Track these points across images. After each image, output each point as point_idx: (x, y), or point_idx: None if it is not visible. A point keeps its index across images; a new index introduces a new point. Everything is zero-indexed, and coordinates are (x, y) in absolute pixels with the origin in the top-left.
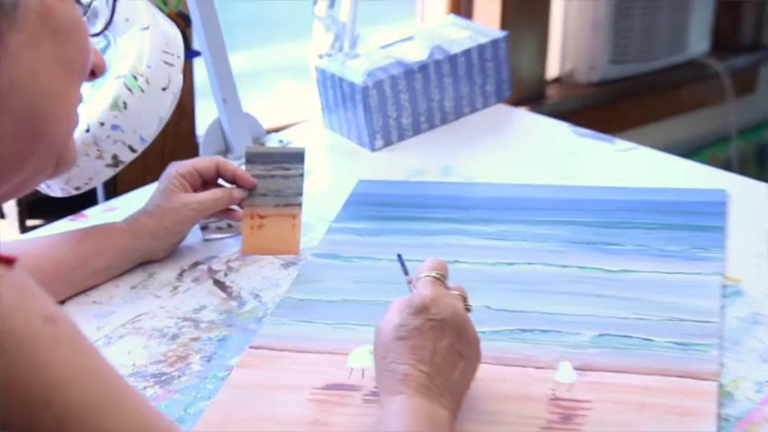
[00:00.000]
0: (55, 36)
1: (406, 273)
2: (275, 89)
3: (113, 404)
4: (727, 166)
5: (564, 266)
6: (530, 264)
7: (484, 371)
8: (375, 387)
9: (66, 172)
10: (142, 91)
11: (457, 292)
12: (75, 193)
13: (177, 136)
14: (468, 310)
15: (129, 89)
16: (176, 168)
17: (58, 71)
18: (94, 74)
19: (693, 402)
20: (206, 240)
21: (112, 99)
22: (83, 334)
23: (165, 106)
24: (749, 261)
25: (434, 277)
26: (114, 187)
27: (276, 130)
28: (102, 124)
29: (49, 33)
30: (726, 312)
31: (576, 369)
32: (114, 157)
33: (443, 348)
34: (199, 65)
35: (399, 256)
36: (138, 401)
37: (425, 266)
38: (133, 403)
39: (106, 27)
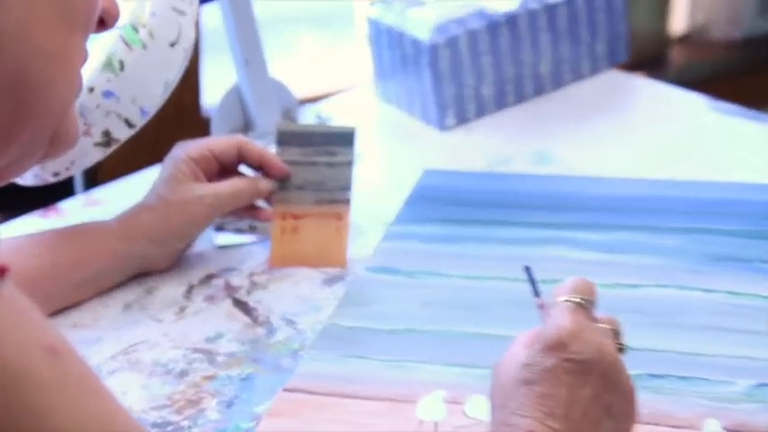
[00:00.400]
0: None
1: (536, 293)
2: (294, 45)
3: None
4: None
5: (707, 291)
6: (659, 286)
7: None
8: None
9: (63, 153)
10: (144, 47)
11: (606, 326)
12: (52, 180)
13: (178, 107)
14: (620, 350)
15: (128, 44)
16: (185, 150)
17: (56, 22)
18: (104, 23)
19: None
20: (221, 247)
21: (105, 57)
22: (91, 369)
23: (173, 67)
24: None
25: (577, 303)
26: (94, 173)
27: (308, 101)
28: (92, 90)
29: None
30: None
31: (726, 429)
32: (106, 133)
33: (584, 399)
34: (208, 13)
35: (527, 268)
36: None
37: (565, 288)
38: None
39: None
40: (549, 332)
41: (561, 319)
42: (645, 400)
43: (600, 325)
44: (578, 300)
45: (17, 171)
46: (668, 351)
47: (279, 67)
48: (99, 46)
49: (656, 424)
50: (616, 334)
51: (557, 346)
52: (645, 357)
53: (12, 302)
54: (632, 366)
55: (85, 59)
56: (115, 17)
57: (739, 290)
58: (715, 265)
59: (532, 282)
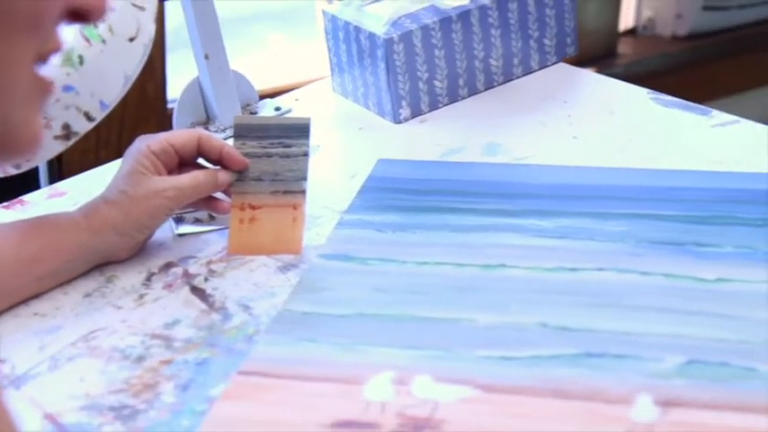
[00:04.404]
0: None
1: None
2: (259, 42)
3: None
4: None
5: (644, 274)
6: (599, 270)
7: (539, 407)
8: None
9: (18, 158)
10: (103, 42)
11: None
12: (12, 172)
13: (142, 100)
14: None
15: (87, 39)
16: (146, 144)
17: None
18: (83, 16)
19: None
20: (180, 235)
21: (64, 52)
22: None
23: (132, 61)
24: None
25: None
26: (59, 166)
27: (271, 95)
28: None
29: None
30: None
31: (657, 405)
32: (65, 126)
33: None
34: (171, 9)
35: None
36: None
37: None
38: None
39: None
40: None
41: None
42: (580, 378)
43: None
44: None
45: None
46: (605, 331)
47: (246, 63)
48: None
49: (591, 400)
50: None
51: None
52: (581, 337)
53: None
54: (571, 346)
55: (39, 59)
56: (101, 11)
57: (674, 272)
58: (653, 249)
59: None
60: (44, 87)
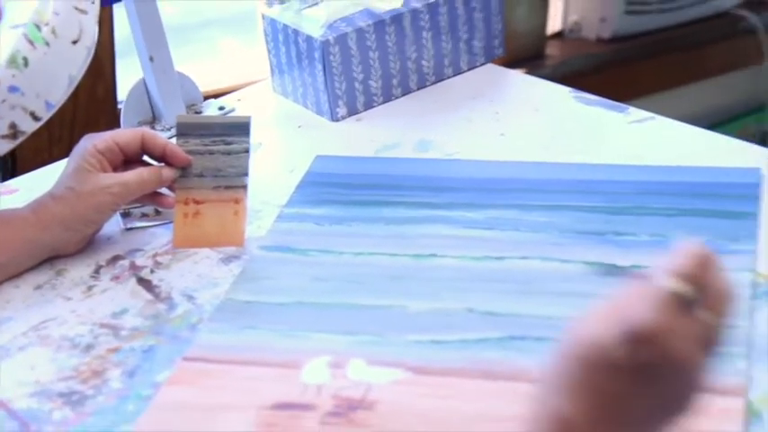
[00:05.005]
0: None
1: None
2: (213, 46)
3: None
4: (763, 140)
5: (565, 261)
6: (524, 258)
7: (467, 387)
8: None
9: None
10: (47, 44)
11: (708, 321)
12: None
13: (92, 101)
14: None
15: (31, 42)
16: (92, 142)
17: None
18: None
19: (714, 423)
20: (128, 229)
21: (9, 54)
22: None
23: (76, 63)
24: None
25: (679, 294)
26: (12, 164)
27: (215, 96)
28: None
29: None
30: (755, 316)
31: None
32: (12, 126)
33: (638, 405)
34: (119, 14)
35: None
36: None
37: (675, 261)
38: None
39: None
40: (634, 317)
41: (650, 309)
42: (506, 359)
43: (700, 319)
44: (683, 290)
45: None
46: (528, 315)
47: (198, 67)
48: (2, 44)
49: (516, 380)
50: (713, 332)
51: (639, 337)
52: (507, 321)
53: None
54: (495, 329)
55: None
56: None
57: (594, 260)
58: (574, 238)
59: None
60: None
